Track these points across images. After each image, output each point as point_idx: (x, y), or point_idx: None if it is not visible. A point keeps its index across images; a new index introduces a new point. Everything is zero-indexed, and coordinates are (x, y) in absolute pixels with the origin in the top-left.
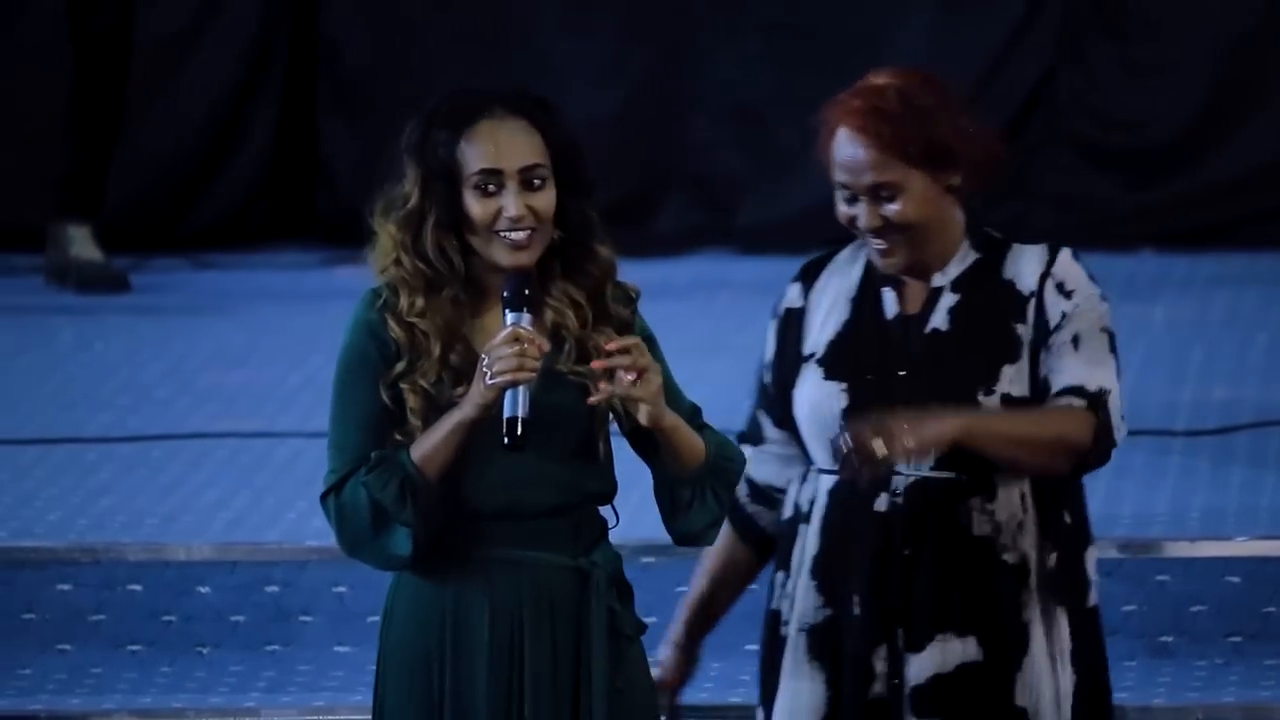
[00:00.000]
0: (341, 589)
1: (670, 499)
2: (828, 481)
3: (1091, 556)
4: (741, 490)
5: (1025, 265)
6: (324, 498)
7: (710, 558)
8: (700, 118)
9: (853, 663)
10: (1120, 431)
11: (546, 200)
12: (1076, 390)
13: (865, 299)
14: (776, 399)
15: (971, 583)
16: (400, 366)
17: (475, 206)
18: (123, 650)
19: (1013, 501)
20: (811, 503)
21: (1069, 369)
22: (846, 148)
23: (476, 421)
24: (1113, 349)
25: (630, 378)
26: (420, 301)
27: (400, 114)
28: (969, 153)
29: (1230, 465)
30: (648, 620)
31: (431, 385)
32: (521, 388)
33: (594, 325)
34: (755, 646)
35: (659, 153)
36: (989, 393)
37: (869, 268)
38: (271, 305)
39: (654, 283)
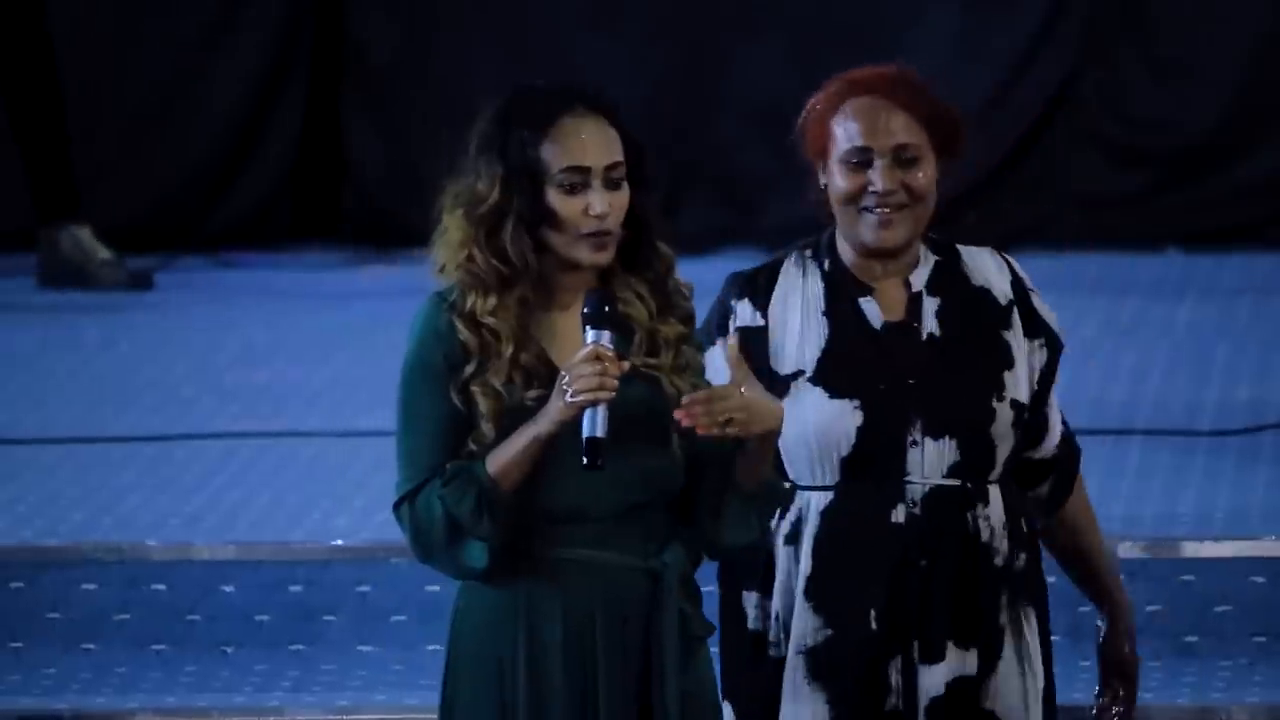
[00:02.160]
0: (365, 588)
1: (716, 507)
2: (818, 500)
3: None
4: None
5: (990, 272)
6: (397, 507)
7: None
8: (724, 117)
9: (864, 678)
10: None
11: (624, 198)
12: (1068, 441)
13: (840, 310)
14: None
15: (976, 592)
16: (470, 369)
17: (560, 204)
18: (147, 649)
19: (999, 505)
20: (797, 523)
21: (1055, 414)
22: (868, 111)
23: (553, 437)
24: None
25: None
26: (493, 300)
27: (425, 114)
28: (960, 147)
29: (1255, 465)
30: None
31: (503, 386)
32: (601, 407)
33: (659, 316)
34: None
35: (683, 152)
36: (1000, 399)
37: (830, 278)
38: (296, 304)
39: None
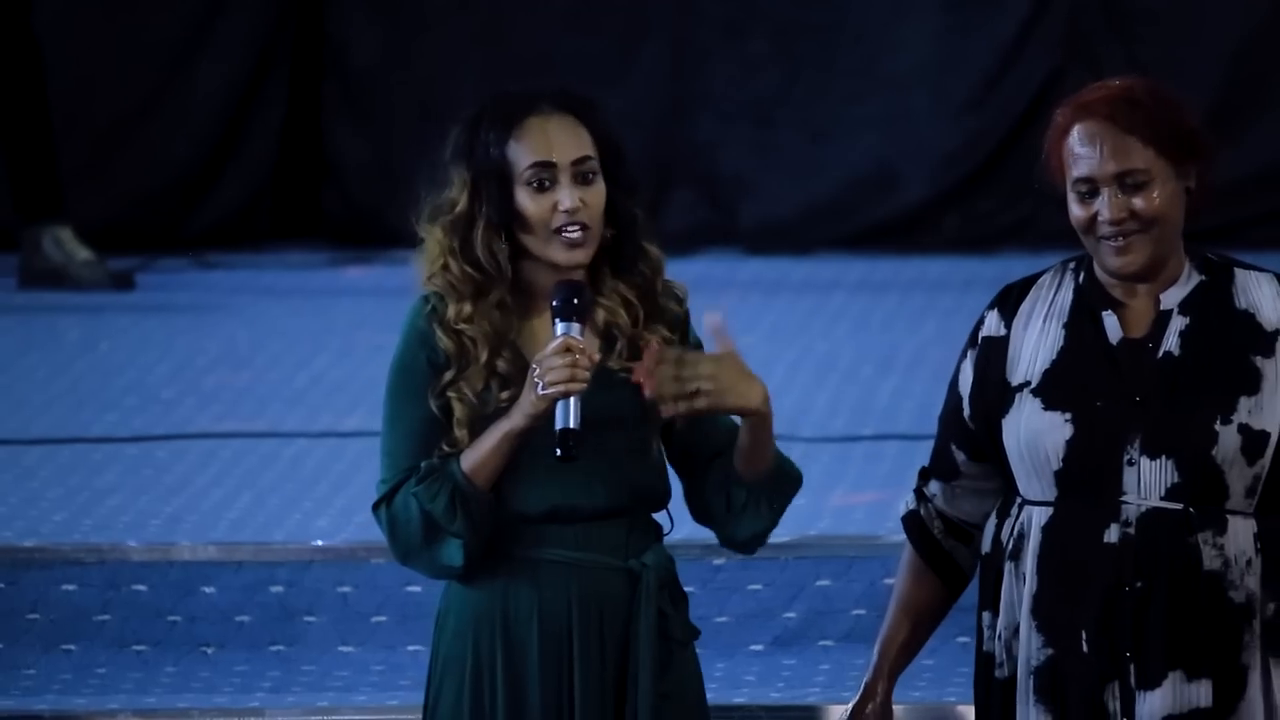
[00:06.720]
0: (346, 589)
1: (725, 501)
2: (1040, 516)
3: None
4: (936, 525)
5: (1261, 297)
6: (376, 507)
7: (903, 597)
8: (705, 117)
9: (1082, 702)
10: None
11: (598, 194)
12: None
13: (1081, 323)
14: (976, 431)
15: (1202, 621)
16: (449, 375)
17: (529, 203)
18: (128, 650)
19: (1243, 538)
20: (1020, 538)
21: None
22: (1089, 138)
23: (526, 431)
24: None
25: (693, 394)
26: (468, 307)
27: (406, 114)
28: (1206, 152)
29: None
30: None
31: (478, 393)
32: (573, 399)
33: (646, 323)
34: (759, 647)
35: (664, 152)
36: (1226, 422)
37: (1081, 291)
38: (277, 305)
39: None
